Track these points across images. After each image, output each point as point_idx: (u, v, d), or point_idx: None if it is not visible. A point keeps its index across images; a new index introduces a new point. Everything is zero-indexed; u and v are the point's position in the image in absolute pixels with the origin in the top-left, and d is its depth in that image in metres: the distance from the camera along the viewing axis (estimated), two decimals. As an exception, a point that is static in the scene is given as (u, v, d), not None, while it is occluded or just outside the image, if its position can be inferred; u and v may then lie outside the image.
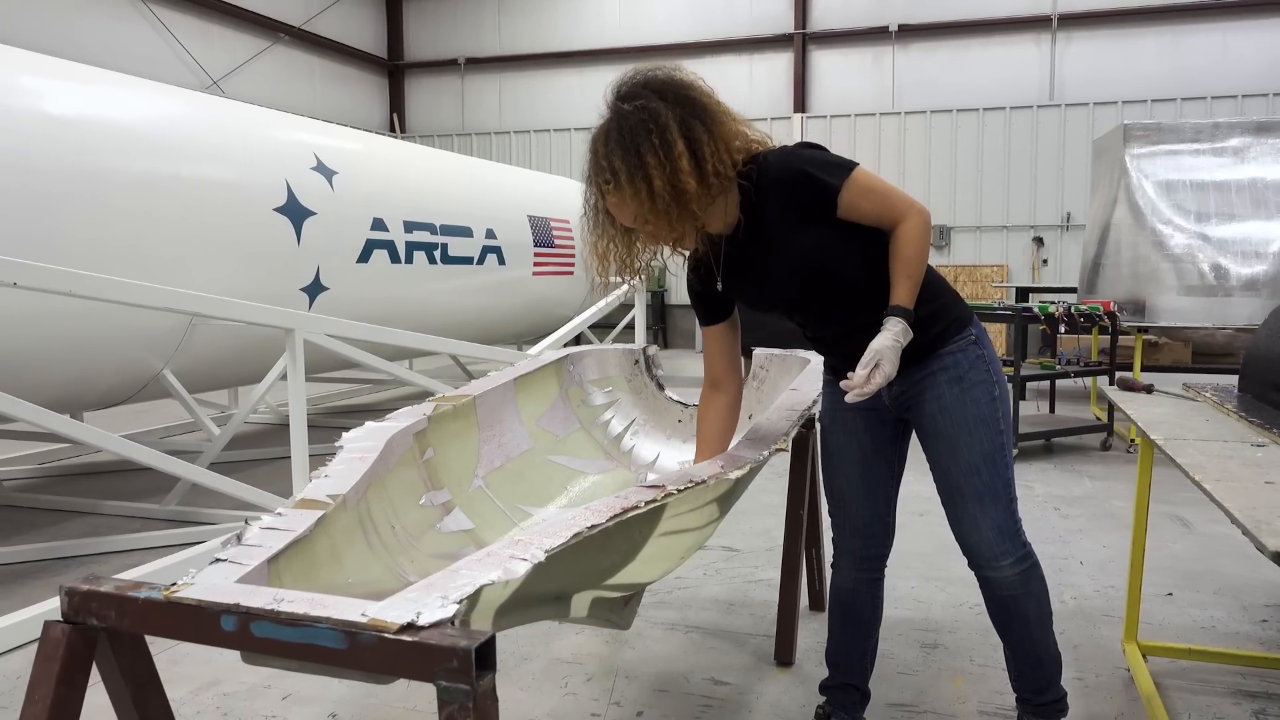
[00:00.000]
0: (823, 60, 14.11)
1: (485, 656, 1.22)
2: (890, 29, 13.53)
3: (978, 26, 13.24)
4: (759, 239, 2.09)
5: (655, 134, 1.94)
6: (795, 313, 2.24)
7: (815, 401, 2.62)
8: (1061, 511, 4.75)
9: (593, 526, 1.57)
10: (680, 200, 1.94)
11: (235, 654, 2.81)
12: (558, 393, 3.08)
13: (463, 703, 1.21)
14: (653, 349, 3.37)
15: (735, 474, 1.90)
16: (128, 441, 3.76)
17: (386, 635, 1.23)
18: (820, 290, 2.12)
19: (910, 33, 13.53)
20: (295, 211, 5.13)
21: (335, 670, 1.32)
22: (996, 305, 6.16)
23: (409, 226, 6.18)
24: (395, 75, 16.25)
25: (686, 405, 3.26)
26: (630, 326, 9.95)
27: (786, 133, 14.10)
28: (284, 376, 4.42)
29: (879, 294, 2.07)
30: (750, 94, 14.18)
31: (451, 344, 5.40)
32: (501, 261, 7.44)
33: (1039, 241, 13.14)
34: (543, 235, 8.19)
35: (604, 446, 3.11)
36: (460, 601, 1.30)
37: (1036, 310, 5.86)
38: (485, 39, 15.69)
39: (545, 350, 3.13)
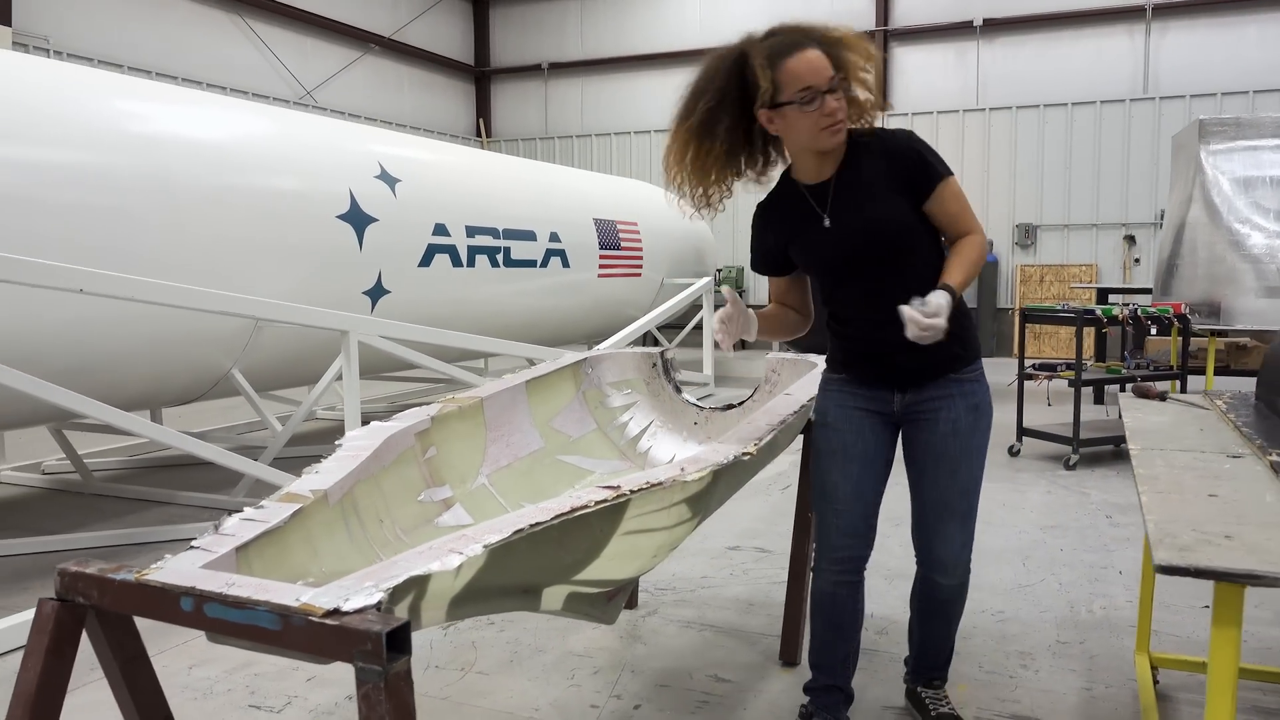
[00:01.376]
0: (905, 57, 13.88)
1: (398, 640, 1.34)
2: (975, 23, 13.23)
3: (1066, 18, 12.83)
4: (855, 192, 2.21)
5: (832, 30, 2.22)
6: (851, 277, 2.26)
7: (803, 407, 2.65)
8: (1113, 520, 4.63)
9: (534, 525, 1.67)
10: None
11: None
12: (574, 394, 3.19)
13: (375, 683, 1.32)
14: (671, 352, 3.45)
15: (694, 476, 1.97)
16: (188, 437, 4.04)
17: (313, 619, 1.36)
18: (886, 255, 2.21)
19: (995, 26, 13.20)
20: (358, 218, 5.38)
21: (281, 650, 1.45)
22: (1059, 307, 6.01)
23: (471, 231, 6.39)
24: (482, 81, 16.67)
25: (703, 408, 3.32)
26: (699, 327, 10.02)
27: (867, 131, 13.93)
28: (340, 376, 4.66)
29: (923, 291, 2.11)
30: (830, 92, 14.04)
31: (504, 344, 5.57)
32: (566, 264, 7.60)
33: (1130, 240, 12.66)
34: (609, 238, 8.33)
35: (620, 447, 3.20)
36: (387, 590, 1.42)
37: (1099, 313, 5.71)
38: (568, 44, 15.95)
39: (566, 353, 3.25)
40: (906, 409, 2.36)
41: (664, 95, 15.58)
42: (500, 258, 6.72)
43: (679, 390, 3.40)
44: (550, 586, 2.01)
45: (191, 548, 1.66)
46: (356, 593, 1.41)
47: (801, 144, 2.22)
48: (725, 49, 2.27)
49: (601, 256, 8.20)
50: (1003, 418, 7.41)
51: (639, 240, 8.88)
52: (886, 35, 13.80)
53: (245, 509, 1.82)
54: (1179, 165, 6.83)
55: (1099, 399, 8.62)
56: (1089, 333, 11.43)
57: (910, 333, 2.02)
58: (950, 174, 2.24)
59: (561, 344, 8.00)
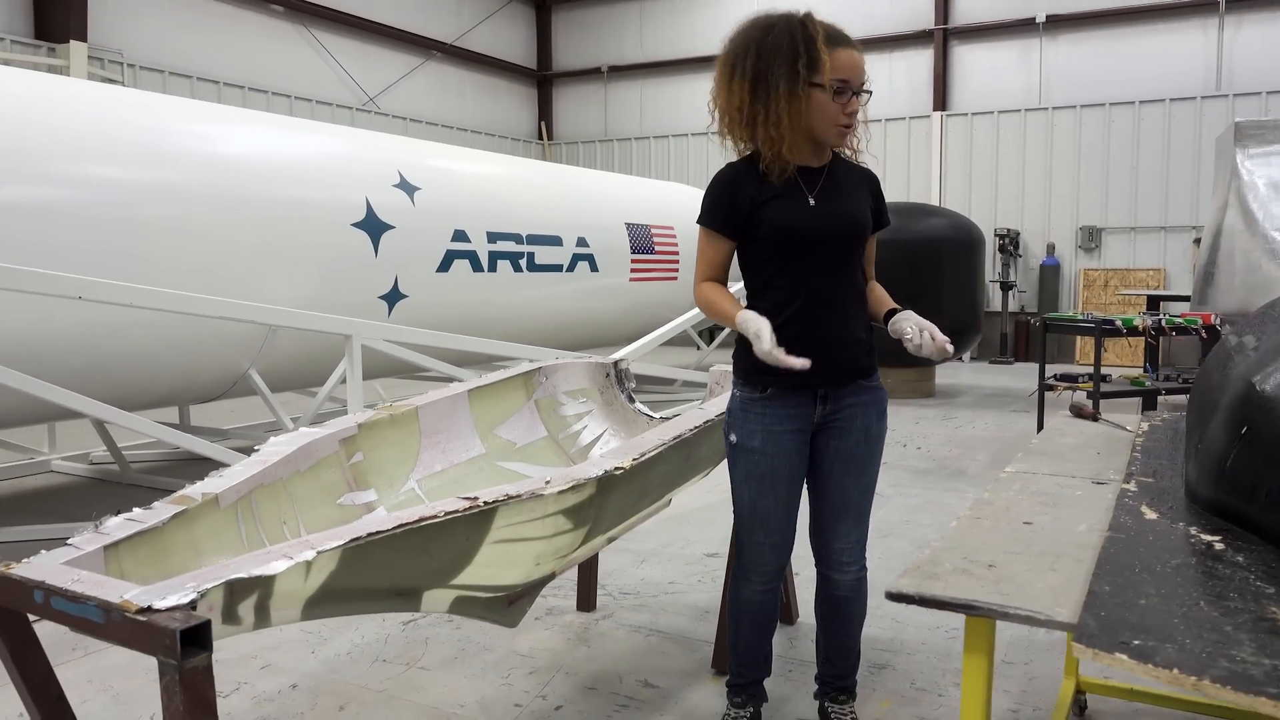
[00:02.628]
0: (965, 56, 13.61)
1: (196, 638, 1.46)
2: (1038, 19, 12.89)
3: (1134, 13, 12.40)
4: (842, 187, 2.40)
5: None
6: (817, 254, 2.35)
7: (708, 423, 2.69)
8: (1110, 537, 4.52)
9: (372, 534, 1.77)
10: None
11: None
12: (525, 403, 3.29)
13: (172, 676, 1.45)
14: (625, 362, 3.52)
15: (552, 490, 2.05)
16: (179, 432, 4.30)
17: (129, 614, 1.49)
18: (850, 246, 2.38)
19: (1059, 23, 12.84)
20: (373, 226, 5.59)
21: (114, 642, 1.59)
22: (1082, 317, 5.87)
23: (492, 237, 6.56)
24: (543, 85, 16.93)
25: (654, 417, 3.39)
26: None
27: (926, 131, 13.71)
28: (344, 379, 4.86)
29: (861, 287, 2.47)
30: (890, 93, 13.86)
31: (509, 347, 5.71)
32: (594, 268, 7.71)
33: (1200, 244, 12.17)
34: (641, 242, 8.41)
35: (570, 455, 3.29)
36: (201, 591, 1.54)
37: (1119, 324, 5.55)
38: (627, 47, 16.08)
39: (567, 358, 3.37)
40: (824, 418, 2.43)
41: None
42: (523, 263, 6.88)
43: (631, 399, 3.47)
44: (430, 590, 2.11)
45: (67, 544, 1.81)
46: (175, 592, 1.53)
47: (813, 128, 2.28)
48: (781, 14, 2.33)
49: (633, 260, 8.29)
50: (1025, 427, 7.29)
51: (675, 243, 8.94)
52: (946, 34, 13.55)
53: (134, 509, 1.97)
54: (1219, 169, 6.58)
55: (1150, 407, 8.34)
56: (1137, 343, 11.04)
57: (923, 344, 2.22)
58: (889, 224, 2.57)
59: (596, 347, 8.12)
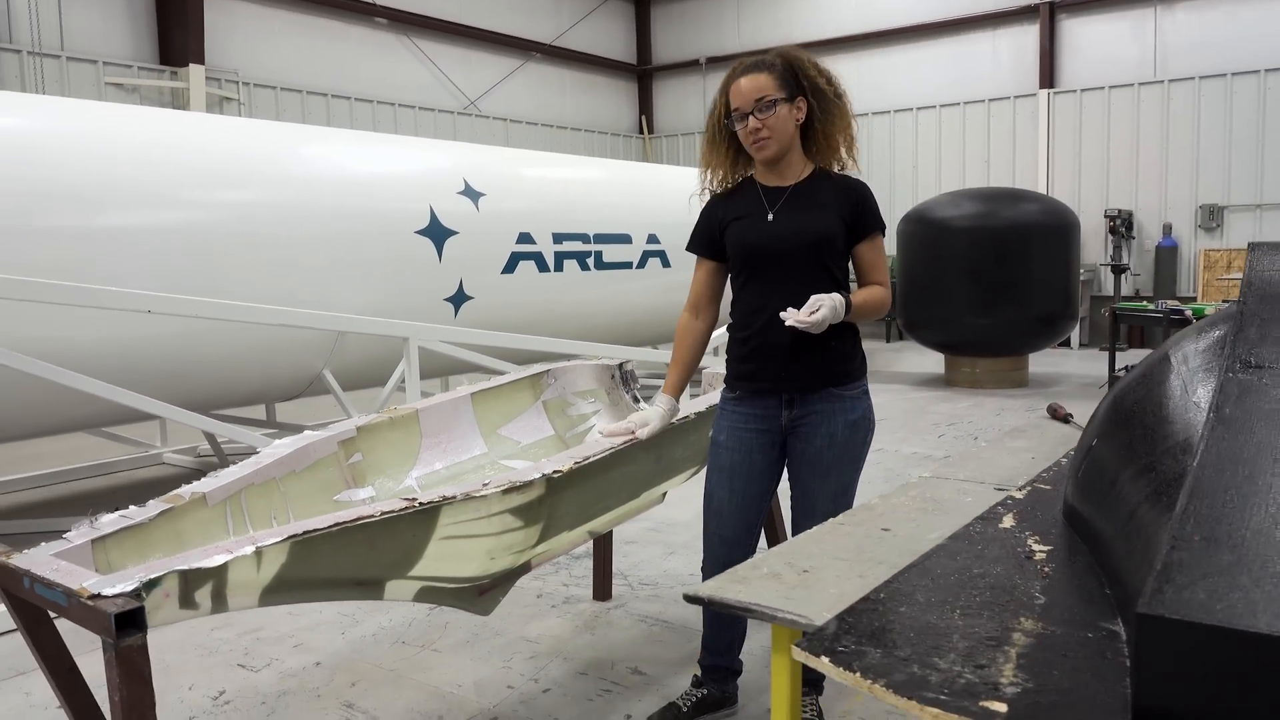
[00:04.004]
0: (1074, 29, 13.02)
1: (129, 621, 1.71)
2: (1152, -12, 12.23)
3: (1259, -24, 11.61)
4: (803, 203, 2.52)
5: (819, 75, 2.51)
6: (772, 266, 2.53)
7: (672, 425, 2.80)
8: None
9: (307, 532, 1.99)
10: (785, 127, 2.47)
11: (282, 608, 3.53)
12: (531, 404, 3.49)
13: (111, 652, 1.70)
14: (630, 364, 3.66)
15: (485, 492, 2.23)
16: (240, 428, 4.67)
17: (82, 599, 1.75)
18: (808, 258, 2.49)
19: (1176, -10, 12.14)
20: (437, 233, 5.90)
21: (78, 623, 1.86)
22: (1152, 307, 5.64)
23: (558, 238, 6.79)
24: (643, 79, 17.12)
25: (691, 418, 3.52)
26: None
27: (1032, 110, 13.21)
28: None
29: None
30: (994, 71, 13.42)
31: (564, 344, 5.91)
32: (666, 264, 7.86)
33: (1334, 219, 11.33)
34: (716, 237, 8.49)
35: (575, 453, 3.46)
36: (143, 580, 1.79)
37: (1189, 313, 5.33)
38: (725, 37, 16.09)
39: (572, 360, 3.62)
40: (792, 422, 2.58)
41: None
42: (591, 261, 7.09)
43: (636, 400, 3.61)
44: (391, 580, 2.33)
45: (62, 538, 2.11)
46: (123, 582, 1.79)
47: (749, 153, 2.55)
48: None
49: (708, 255, 8.37)
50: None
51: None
52: (1053, 7, 13.00)
53: (130, 507, 2.27)
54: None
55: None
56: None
57: (789, 322, 2.31)
58: (883, 231, 2.59)
59: (670, 342, 8.27)
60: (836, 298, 2.36)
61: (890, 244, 13.18)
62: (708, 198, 2.72)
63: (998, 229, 8.70)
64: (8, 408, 4.31)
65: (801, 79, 2.48)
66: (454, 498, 2.19)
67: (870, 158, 14.64)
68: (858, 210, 2.52)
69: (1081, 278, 10.48)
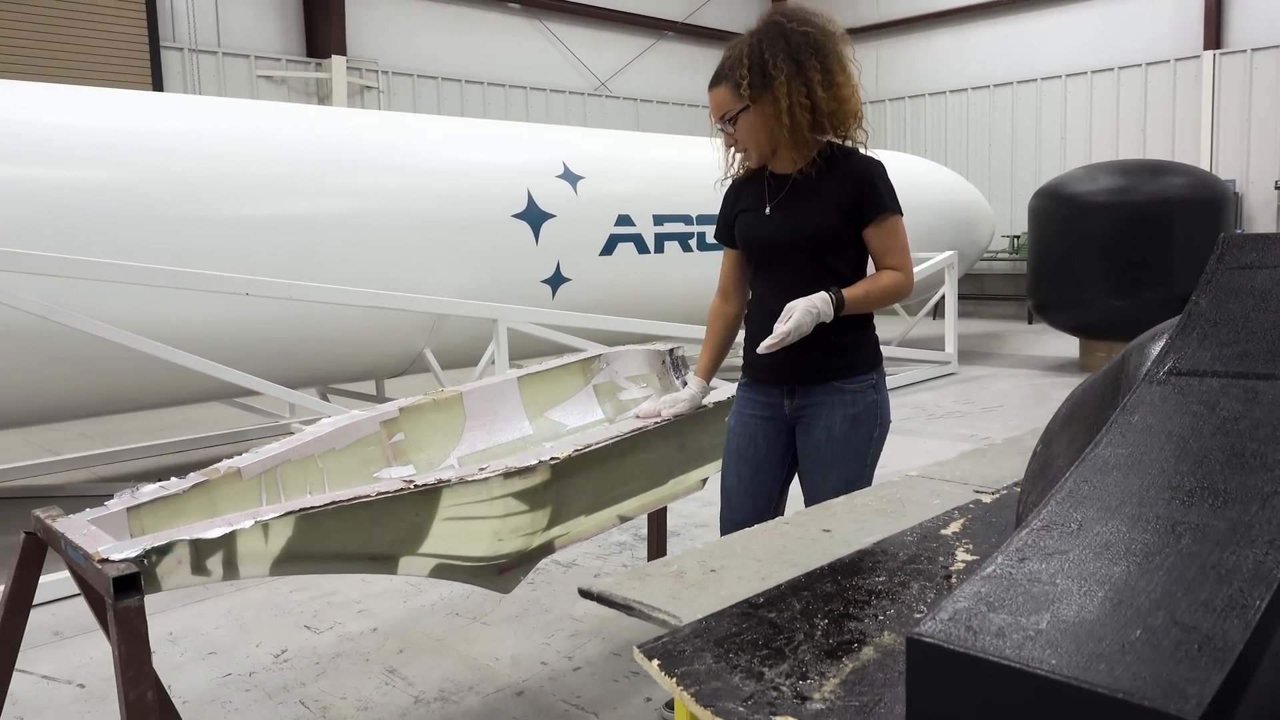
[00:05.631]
0: (1247, -17, 11.92)
1: (125, 584, 1.88)
2: (1340, -66, 11.03)
3: None
4: (803, 193, 2.44)
5: (813, 56, 2.34)
6: (771, 263, 2.51)
7: (664, 422, 2.79)
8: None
9: (303, 509, 2.13)
10: (756, 135, 2.41)
11: (355, 576, 3.76)
12: (581, 388, 3.56)
13: (110, 612, 1.88)
14: (681, 349, 3.67)
15: (478, 477, 2.31)
16: (328, 404, 4.95)
17: (94, 563, 1.94)
18: (803, 254, 2.43)
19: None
20: (534, 216, 6.05)
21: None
22: None
23: (659, 219, 6.83)
24: (779, 54, 16.81)
25: (705, 405, 3.52)
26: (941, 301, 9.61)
27: (1195, 74, 12.21)
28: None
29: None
30: (1153, 32, 12.47)
31: (657, 325, 5.97)
32: (774, 245, 7.76)
33: None
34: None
35: (624, 437, 3.51)
36: (146, 548, 1.96)
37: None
38: (862, 7, 15.59)
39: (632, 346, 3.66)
40: (795, 412, 2.56)
41: (960, 53, 14.77)
42: (693, 242, 7.09)
43: (686, 386, 3.62)
44: (405, 557, 2.46)
45: (104, 506, 2.33)
46: (131, 549, 1.97)
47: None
48: None
49: (820, 235, 8.21)
50: None
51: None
52: (1223, -39, 11.93)
53: (171, 479, 2.48)
54: None
55: None
56: None
57: (762, 350, 2.30)
58: (897, 212, 2.45)
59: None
60: (816, 300, 2.28)
61: (1021, 222, 12.65)
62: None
63: (1138, 204, 8.12)
64: (134, 380, 4.74)
65: (772, 67, 2.32)
66: (448, 481, 2.29)
67: (1014, 129, 13.91)
68: (858, 195, 2.40)
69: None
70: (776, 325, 2.28)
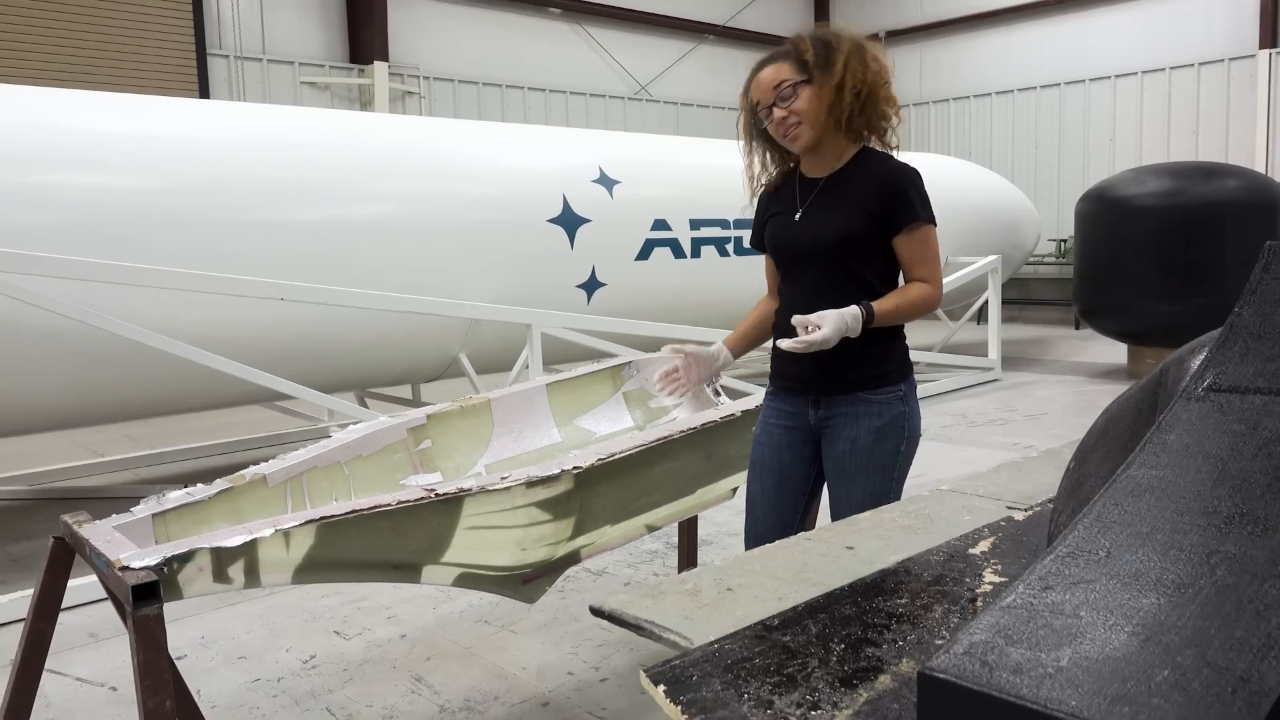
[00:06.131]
0: (1306, -20, 11.58)
1: (144, 593, 1.88)
2: (1404, -72, 10.67)
3: None
4: (833, 199, 2.40)
5: (858, 55, 2.31)
6: (796, 271, 2.47)
7: (684, 433, 2.74)
8: None
9: (325, 516, 2.12)
10: (814, 109, 2.31)
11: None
12: (611, 395, 3.52)
13: (128, 621, 1.89)
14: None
15: (498, 486, 2.28)
16: (364, 409, 4.96)
17: (115, 570, 1.95)
18: (828, 262, 2.38)
19: None
20: (569, 221, 6.03)
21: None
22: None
23: (695, 224, 6.78)
24: (820, 56, 16.67)
25: (739, 415, 3.47)
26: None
27: (1250, 74, 11.88)
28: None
29: (865, 298, 2.36)
30: (1206, 32, 12.16)
31: (692, 330, 5.90)
32: (813, 249, 7.67)
33: None
34: (870, 220, 8.20)
35: (654, 445, 3.47)
36: (166, 556, 1.96)
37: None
38: (907, 9, 15.43)
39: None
40: (820, 422, 2.51)
41: (1009, 53, 14.52)
42: (730, 247, 7.03)
43: (717, 394, 3.57)
44: (428, 566, 2.44)
45: (130, 511, 2.34)
46: (151, 556, 1.97)
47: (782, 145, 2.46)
48: None
49: (860, 239, 8.11)
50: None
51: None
52: (1280, -43, 11.60)
53: (197, 485, 2.48)
54: None
55: None
56: None
57: (785, 347, 2.26)
58: (930, 222, 2.38)
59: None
60: (847, 314, 2.23)
61: (1068, 225, 12.40)
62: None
63: (1187, 207, 7.91)
64: (171, 383, 4.80)
65: (834, 48, 2.30)
66: (470, 490, 2.26)
67: (1061, 131, 13.64)
68: (887, 202, 2.34)
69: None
70: (802, 332, 2.23)
